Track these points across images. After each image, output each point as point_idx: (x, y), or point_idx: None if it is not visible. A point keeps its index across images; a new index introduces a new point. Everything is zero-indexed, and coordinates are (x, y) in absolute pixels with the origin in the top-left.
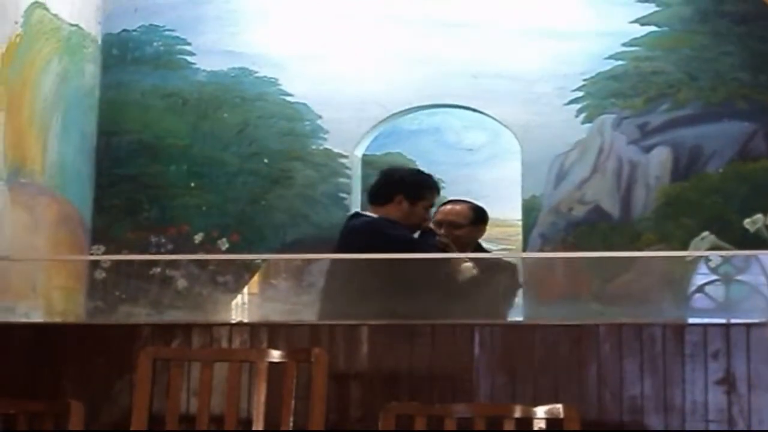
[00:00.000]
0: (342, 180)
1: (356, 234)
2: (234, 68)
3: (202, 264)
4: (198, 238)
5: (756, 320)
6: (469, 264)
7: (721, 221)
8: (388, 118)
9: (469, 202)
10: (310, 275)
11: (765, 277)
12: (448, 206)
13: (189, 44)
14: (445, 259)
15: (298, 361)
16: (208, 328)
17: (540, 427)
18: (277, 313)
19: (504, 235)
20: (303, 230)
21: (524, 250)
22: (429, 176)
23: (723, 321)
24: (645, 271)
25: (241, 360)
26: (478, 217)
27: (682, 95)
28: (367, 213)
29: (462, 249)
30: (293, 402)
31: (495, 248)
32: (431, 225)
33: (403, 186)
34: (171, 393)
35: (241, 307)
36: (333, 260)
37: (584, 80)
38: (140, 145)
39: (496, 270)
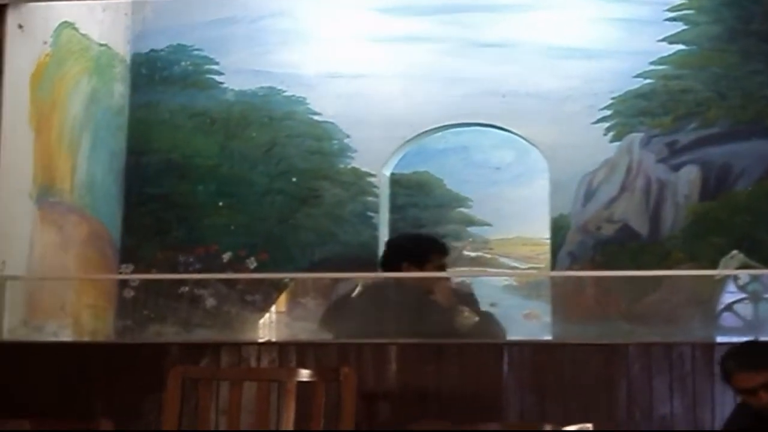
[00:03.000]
0: (370, 199)
1: None
2: (262, 87)
3: (230, 283)
4: (226, 257)
5: None
6: (466, 313)
7: (750, 240)
8: (415, 137)
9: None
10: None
11: None
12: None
13: (217, 64)
14: (445, 311)
15: (327, 381)
16: (237, 347)
17: None
18: (305, 331)
19: (532, 253)
20: (331, 249)
21: (552, 268)
22: (431, 239)
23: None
24: (674, 289)
25: (270, 379)
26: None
27: (711, 114)
28: None
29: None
30: (322, 421)
31: (523, 267)
32: None
33: (405, 253)
34: (200, 412)
35: (269, 325)
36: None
37: (612, 99)
38: (169, 164)
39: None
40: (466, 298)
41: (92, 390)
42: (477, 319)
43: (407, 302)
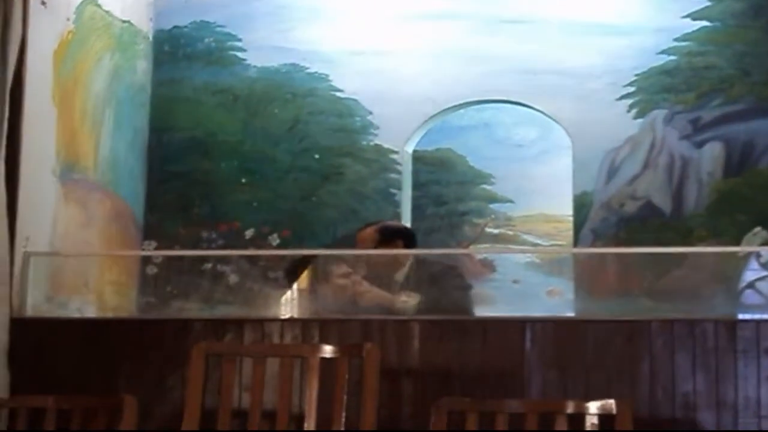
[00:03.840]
0: (392, 176)
1: None
2: (285, 64)
3: (253, 259)
4: (249, 233)
5: None
6: (403, 298)
7: None
8: (438, 113)
9: (376, 224)
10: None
11: None
12: (358, 233)
13: (240, 40)
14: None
15: (350, 357)
16: (260, 323)
17: (592, 423)
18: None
19: (555, 230)
20: (353, 226)
21: (575, 245)
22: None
23: None
24: (697, 266)
25: (293, 355)
26: (386, 236)
27: (734, 90)
28: None
29: (390, 270)
30: (345, 397)
31: (545, 244)
32: None
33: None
34: (223, 388)
35: (291, 302)
36: None
37: (636, 75)
38: (192, 141)
39: (439, 275)
40: (436, 275)
41: (115, 366)
42: (415, 301)
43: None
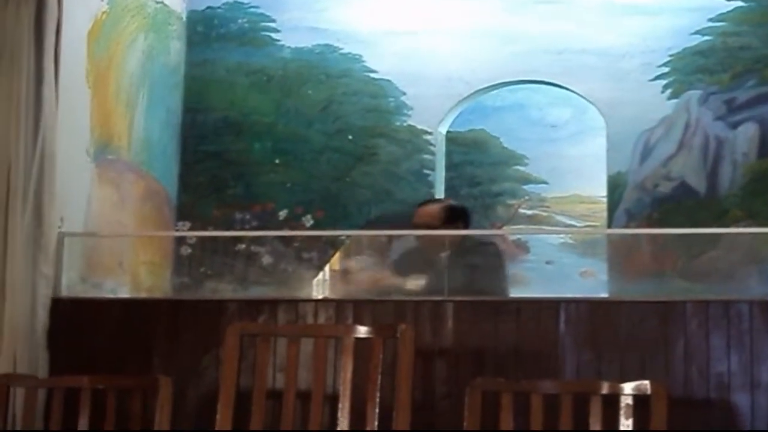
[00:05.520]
0: (426, 156)
1: None
2: (318, 45)
3: (286, 240)
4: (283, 214)
5: None
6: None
7: None
8: (472, 94)
9: (442, 201)
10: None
11: None
12: (422, 208)
13: (273, 21)
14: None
15: (385, 337)
16: (294, 304)
17: (627, 404)
18: (360, 290)
19: (589, 211)
20: (387, 207)
21: (609, 226)
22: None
23: None
24: (731, 247)
25: (328, 336)
26: (451, 215)
27: None
28: None
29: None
30: (379, 378)
31: (579, 225)
32: None
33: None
34: (258, 368)
35: (323, 283)
36: None
37: (670, 56)
38: (225, 122)
39: (474, 252)
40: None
41: (150, 346)
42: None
43: None
